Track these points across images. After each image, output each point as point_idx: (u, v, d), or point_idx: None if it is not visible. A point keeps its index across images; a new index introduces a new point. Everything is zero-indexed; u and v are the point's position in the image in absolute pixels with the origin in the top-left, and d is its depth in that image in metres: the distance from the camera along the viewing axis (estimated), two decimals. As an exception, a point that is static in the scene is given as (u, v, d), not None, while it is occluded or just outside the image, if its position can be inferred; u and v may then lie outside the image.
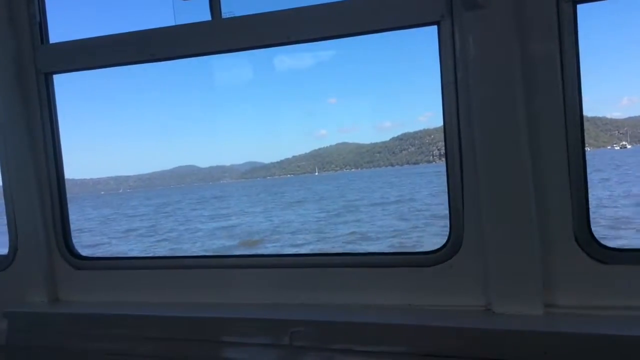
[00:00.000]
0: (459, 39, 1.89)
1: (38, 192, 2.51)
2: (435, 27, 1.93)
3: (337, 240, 23.78)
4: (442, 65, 1.95)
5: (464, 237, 1.97)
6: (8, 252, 2.58)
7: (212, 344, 2.19)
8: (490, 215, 1.89)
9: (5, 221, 2.53)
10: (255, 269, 2.31)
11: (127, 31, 2.36)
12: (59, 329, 2.47)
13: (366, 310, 2.08)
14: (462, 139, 1.94)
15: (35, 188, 2.51)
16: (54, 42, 2.46)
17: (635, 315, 1.78)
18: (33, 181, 2.50)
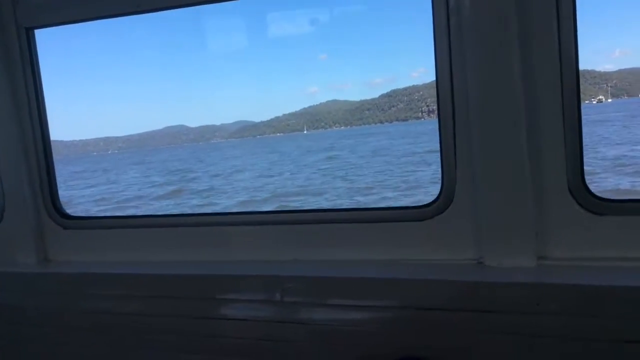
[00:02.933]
0: (452, 2, 1.86)
1: (23, 151, 2.47)
2: None
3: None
4: (435, 16, 1.92)
5: (456, 191, 1.96)
6: None
7: (204, 301, 2.20)
8: (482, 167, 1.87)
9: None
10: (248, 226, 2.29)
11: None
12: (49, 289, 2.47)
13: (358, 265, 2.09)
14: (454, 92, 1.91)
15: (20, 147, 2.47)
16: None
17: (629, 266, 1.79)
18: (17, 140, 2.46)
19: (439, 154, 1.99)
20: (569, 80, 1.80)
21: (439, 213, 2.01)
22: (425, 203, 2.07)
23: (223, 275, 2.19)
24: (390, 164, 36.03)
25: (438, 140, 1.99)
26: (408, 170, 30.27)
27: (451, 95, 1.93)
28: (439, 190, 2.03)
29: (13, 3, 2.37)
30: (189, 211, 22.45)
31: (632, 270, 1.76)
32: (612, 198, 1.89)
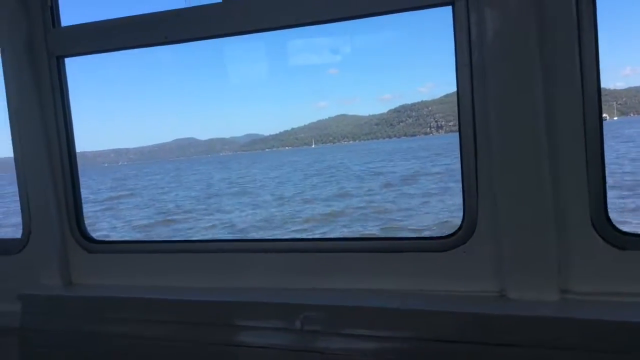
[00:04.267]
0: (474, 18, 1.84)
1: (51, 176, 2.51)
2: (449, 8, 1.89)
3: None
4: (456, 46, 1.91)
5: (478, 222, 1.94)
6: (22, 235, 2.60)
7: (224, 327, 2.21)
8: (505, 199, 1.85)
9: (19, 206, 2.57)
10: (268, 253, 2.30)
11: (138, 14, 2.36)
12: (72, 312, 2.49)
13: (378, 295, 2.07)
14: (476, 121, 1.90)
15: (48, 172, 2.51)
16: (65, 25, 2.45)
17: None
18: (46, 165, 2.50)
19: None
20: (590, 112, 1.78)
21: (461, 244, 1.98)
22: (447, 234, 2.04)
23: (242, 302, 2.20)
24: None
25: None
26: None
27: (473, 127, 1.91)
28: (461, 220, 2.02)
29: (45, 32, 2.45)
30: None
31: None
32: (635, 232, 1.86)
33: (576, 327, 1.70)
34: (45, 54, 2.45)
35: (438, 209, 21.08)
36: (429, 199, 24.00)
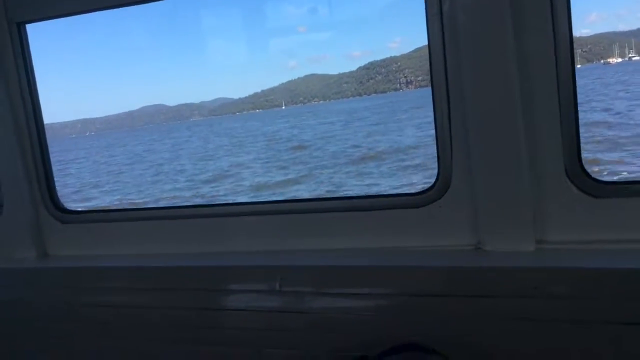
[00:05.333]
0: None
1: (19, 147, 2.45)
2: None
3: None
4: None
5: (453, 176, 1.94)
6: None
7: (204, 292, 2.20)
8: (479, 152, 1.85)
9: None
10: (245, 216, 2.30)
11: None
12: (48, 284, 2.47)
13: (355, 253, 2.08)
14: (448, 74, 1.88)
15: (16, 143, 2.45)
16: None
17: (627, 249, 1.78)
18: (13, 136, 2.44)
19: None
20: (563, 60, 1.77)
21: (436, 199, 2.00)
22: (422, 190, 2.07)
23: (222, 267, 2.20)
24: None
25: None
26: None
27: (445, 81, 1.90)
28: (436, 176, 2.02)
29: None
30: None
31: (629, 253, 1.76)
32: (610, 181, 1.92)
33: (553, 276, 1.72)
34: (5, 21, 2.35)
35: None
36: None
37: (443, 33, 1.88)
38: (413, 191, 2.12)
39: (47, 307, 2.46)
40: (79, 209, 2.76)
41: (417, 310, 1.91)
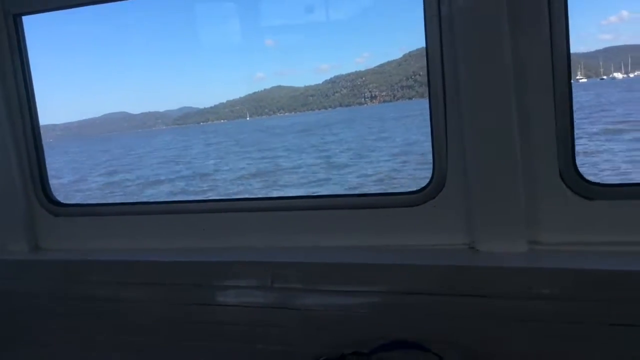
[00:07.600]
0: None
1: (12, 139, 2.44)
2: None
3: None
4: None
5: (447, 176, 1.95)
6: None
7: (196, 287, 2.21)
8: (474, 152, 1.86)
9: None
10: (238, 212, 2.30)
11: None
12: (40, 277, 2.46)
13: (349, 251, 2.08)
14: (445, 75, 1.90)
15: (10, 135, 2.43)
16: None
17: (619, 251, 1.78)
18: (7, 128, 2.42)
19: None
20: (560, 65, 1.80)
21: (430, 198, 2.02)
22: (417, 189, 2.09)
23: (215, 262, 2.21)
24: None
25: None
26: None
27: (442, 81, 1.93)
28: (430, 175, 2.05)
29: None
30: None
31: (622, 255, 1.77)
32: (603, 183, 1.90)
33: (545, 277, 1.75)
34: (1, 12, 2.32)
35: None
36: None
37: (441, 34, 1.92)
38: (408, 190, 2.17)
39: (38, 300, 2.46)
40: (71, 203, 2.70)
41: (410, 308, 1.95)
